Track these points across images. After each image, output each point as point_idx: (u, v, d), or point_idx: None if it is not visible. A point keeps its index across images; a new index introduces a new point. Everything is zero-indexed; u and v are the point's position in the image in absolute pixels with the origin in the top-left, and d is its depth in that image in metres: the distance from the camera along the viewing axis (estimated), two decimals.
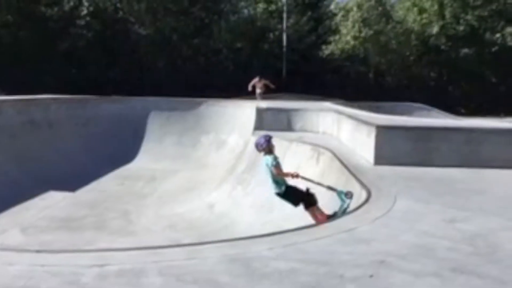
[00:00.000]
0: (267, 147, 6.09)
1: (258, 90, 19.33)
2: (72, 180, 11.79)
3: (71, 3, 27.92)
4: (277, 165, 5.93)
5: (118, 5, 28.94)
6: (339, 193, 5.73)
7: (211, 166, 13.62)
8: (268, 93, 19.55)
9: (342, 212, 5.40)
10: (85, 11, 27.62)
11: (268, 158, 6.00)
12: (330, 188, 5.92)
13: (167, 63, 28.44)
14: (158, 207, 10.23)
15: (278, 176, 5.91)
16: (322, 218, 5.59)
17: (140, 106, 16.31)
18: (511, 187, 6.14)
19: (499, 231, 4.21)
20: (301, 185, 6.01)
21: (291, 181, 6.07)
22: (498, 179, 6.55)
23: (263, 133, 11.67)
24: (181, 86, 24.68)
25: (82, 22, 27.86)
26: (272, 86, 19.42)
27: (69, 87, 21.21)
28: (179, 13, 29.25)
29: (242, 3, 32.02)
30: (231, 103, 16.89)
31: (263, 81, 19.55)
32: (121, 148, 14.64)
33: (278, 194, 6.02)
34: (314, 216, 5.78)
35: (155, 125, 15.99)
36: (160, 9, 29.04)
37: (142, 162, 14.65)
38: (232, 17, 31.02)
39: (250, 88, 19.18)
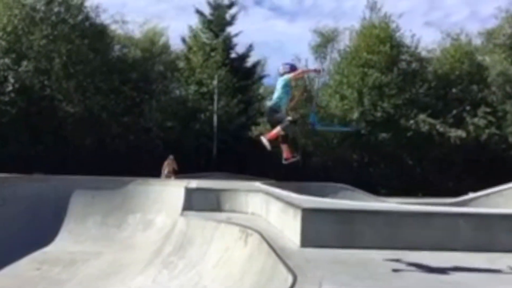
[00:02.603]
0: (288, 72, 6.75)
1: (165, 171, 19.54)
2: None
3: None
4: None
5: (46, 82, 28.49)
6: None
7: (137, 248, 13.10)
8: (177, 174, 19.83)
9: None
10: (10, 87, 26.86)
11: (285, 76, 6.72)
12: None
13: (94, 141, 27.89)
14: None
15: (296, 78, 6.85)
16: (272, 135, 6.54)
17: (63, 185, 15.64)
18: (428, 269, 6.44)
19: None
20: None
21: None
22: (416, 260, 6.86)
23: (191, 213, 11.62)
24: (109, 164, 24.14)
25: (6, 98, 26.94)
26: (176, 170, 19.86)
27: None
28: (109, 91, 29.27)
29: (174, 84, 32.74)
30: (159, 182, 16.68)
31: (173, 164, 19.84)
32: (39, 230, 13.76)
33: (273, 109, 6.67)
34: (273, 133, 6.58)
35: (78, 205, 15.30)
36: (90, 88, 28.94)
37: (62, 244, 13.79)
38: (163, 97, 31.48)
39: (164, 168, 19.53)
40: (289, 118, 6.64)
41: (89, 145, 27.66)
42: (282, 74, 6.86)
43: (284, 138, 6.64)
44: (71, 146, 27.11)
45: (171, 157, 20.61)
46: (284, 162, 6.65)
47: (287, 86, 6.74)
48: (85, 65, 28.45)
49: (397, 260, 6.83)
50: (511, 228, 8.29)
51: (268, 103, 6.87)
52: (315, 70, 7.60)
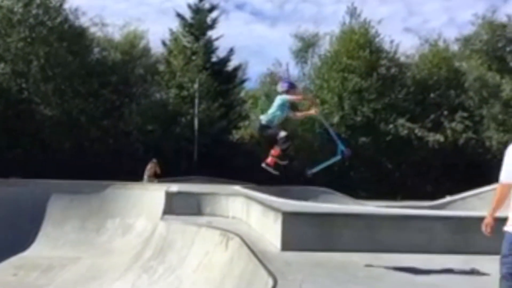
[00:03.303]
0: (287, 91, 6.72)
1: (146, 174, 19.39)
2: None
3: None
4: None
5: (24, 85, 28.01)
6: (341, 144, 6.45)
7: (116, 252, 12.95)
8: (159, 177, 19.70)
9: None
10: None
11: (283, 96, 6.68)
12: (338, 136, 6.71)
13: (73, 144, 27.50)
14: None
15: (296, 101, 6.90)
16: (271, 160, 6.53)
17: (41, 189, 15.38)
18: (406, 272, 6.52)
19: None
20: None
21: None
22: (395, 263, 6.95)
23: (172, 217, 11.55)
24: (88, 168, 23.83)
25: None
26: (158, 174, 19.72)
27: None
28: (88, 94, 28.93)
29: (154, 88, 32.52)
30: (139, 186, 16.54)
31: (156, 167, 19.69)
32: (16, 235, 13.51)
33: (265, 126, 6.65)
34: (271, 156, 6.54)
35: (56, 209, 15.06)
36: (69, 91, 28.55)
37: (39, 249, 13.56)
38: (143, 100, 31.23)
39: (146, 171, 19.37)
40: (284, 133, 6.60)
41: (68, 149, 27.25)
42: (281, 92, 6.84)
43: (281, 151, 6.63)
44: (49, 150, 26.67)
45: (154, 160, 20.43)
46: (263, 165, 6.64)
47: (284, 105, 6.73)
48: (64, 68, 28.05)
49: (376, 263, 6.90)
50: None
51: (262, 117, 6.75)
52: (313, 103, 7.38)
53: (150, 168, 19.79)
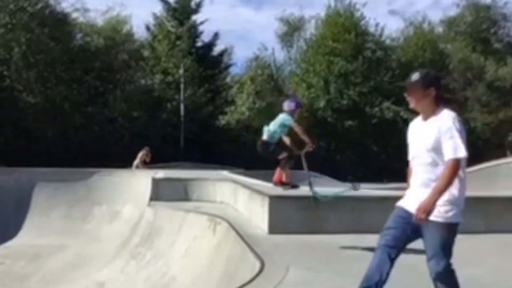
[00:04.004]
0: (293, 110, 6.85)
1: (136, 161, 19.23)
2: None
3: None
4: (290, 120, 6.82)
5: (5, 72, 27.51)
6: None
7: (103, 240, 12.90)
8: (147, 164, 19.56)
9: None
10: None
11: (288, 117, 6.80)
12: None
13: (57, 132, 27.18)
14: None
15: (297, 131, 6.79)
16: (279, 178, 6.76)
17: (25, 178, 15.19)
18: None
19: None
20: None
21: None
22: None
23: (159, 203, 11.50)
24: (73, 155, 23.62)
25: None
26: (146, 162, 19.57)
27: None
28: (71, 81, 28.53)
29: (139, 73, 32.19)
30: (125, 172, 16.44)
31: (148, 155, 19.52)
32: (1, 223, 13.35)
33: (266, 143, 6.77)
34: (280, 174, 6.74)
35: (41, 198, 14.90)
36: (51, 78, 28.11)
37: (25, 238, 13.45)
38: (128, 87, 30.91)
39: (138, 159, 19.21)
40: (283, 155, 6.68)
41: (52, 136, 26.95)
42: (287, 111, 6.89)
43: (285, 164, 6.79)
44: (32, 138, 26.35)
45: (146, 148, 20.17)
46: (272, 183, 6.76)
47: (285, 126, 6.81)
48: (46, 54, 27.60)
49: (362, 244, 6.97)
50: (469, 210, 8.57)
51: (264, 132, 6.74)
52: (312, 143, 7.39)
53: (141, 156, 19.56)
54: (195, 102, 30.84)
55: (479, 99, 30.59)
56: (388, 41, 32.88)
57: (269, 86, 30.51)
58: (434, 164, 3.34)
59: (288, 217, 7.60)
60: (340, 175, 23.66)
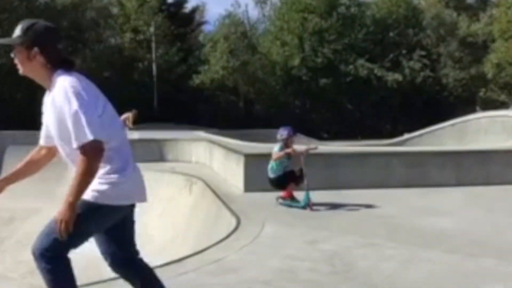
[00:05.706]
0: (286, 138, 6.88)
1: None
2: None
3: None
4: (277, 151, 6.80)
5: None
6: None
7: None
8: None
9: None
10: None
11: (276, 147, 6.90)
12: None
13: (25, 94, 26.38)
14: (17, 252, 9.34)
15: (276, 160, 6.78)
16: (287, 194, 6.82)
17: None
18: (364, 206, 6.77)
19: (354, 249, 4.61)
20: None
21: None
22: (354, 198, 7.19)
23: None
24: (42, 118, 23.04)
25: None
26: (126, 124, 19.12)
27: None
28: None
29: (108, 32, 31.18)
30: None
31: (128, 120, 19.11)
32: None
33: (271, 180, 6.85)
34: (288, 191, 6.78)
35: (13, 161, 14.53)
36: None
37: None
38: (97, 46, 29.98)
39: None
40: (299, 172, 6.79)
41: (20, 99, 26.18)
42: (280, 140, 6.92)
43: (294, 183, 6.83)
44: (1, 101, 25.55)
45: (134, 111, 19.65)
46: (279, 201, 6.84)
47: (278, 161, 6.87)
48: (10, 13, 26.37)
49: (336, 199, 7.12)
50: (441, 164, 8.81)
51: (268, 171, 6.89)
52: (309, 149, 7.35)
53: (125, 118, 19.09)
54: (168, 62, 30.20)
55: (451, 55, 30.81)
56: None
57: (243, 44, 30.03)
58: None
59: (263, 175, 7.64)
60: (315, 134, 23.84)
